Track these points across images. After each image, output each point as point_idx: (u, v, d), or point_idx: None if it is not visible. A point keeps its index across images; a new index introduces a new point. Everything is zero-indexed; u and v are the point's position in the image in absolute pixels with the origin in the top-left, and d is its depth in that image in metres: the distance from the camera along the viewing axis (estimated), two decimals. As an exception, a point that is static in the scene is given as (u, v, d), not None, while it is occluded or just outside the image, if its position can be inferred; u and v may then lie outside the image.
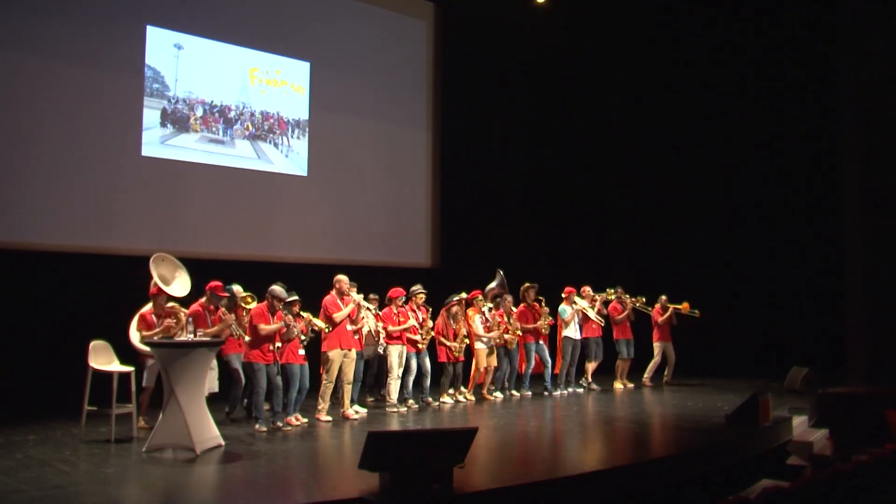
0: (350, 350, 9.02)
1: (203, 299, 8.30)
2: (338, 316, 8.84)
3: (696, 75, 14.91)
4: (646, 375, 12.43)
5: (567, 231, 15.71)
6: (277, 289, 8.37)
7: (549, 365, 11.40)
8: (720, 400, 10.44)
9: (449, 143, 14.82)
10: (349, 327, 9.06)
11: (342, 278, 9.10)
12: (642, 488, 6.49)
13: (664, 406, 10.39)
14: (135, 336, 8.01)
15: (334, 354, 8.84)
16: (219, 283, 8.41)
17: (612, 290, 12.24)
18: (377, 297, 10.41)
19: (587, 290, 11.94)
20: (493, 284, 11.38)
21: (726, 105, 14.58)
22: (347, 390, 9.08)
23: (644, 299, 12.42)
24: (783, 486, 4.40)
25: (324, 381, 8.87)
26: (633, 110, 15.70)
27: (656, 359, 12.43)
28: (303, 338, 8.56)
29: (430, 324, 10.17)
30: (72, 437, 7.61)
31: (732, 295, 14.22)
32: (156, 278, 8.13)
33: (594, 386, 11.90)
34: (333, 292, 9.05)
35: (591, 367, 11.97)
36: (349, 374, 9.03)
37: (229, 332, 8.47)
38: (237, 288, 8.99)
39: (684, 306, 12.46)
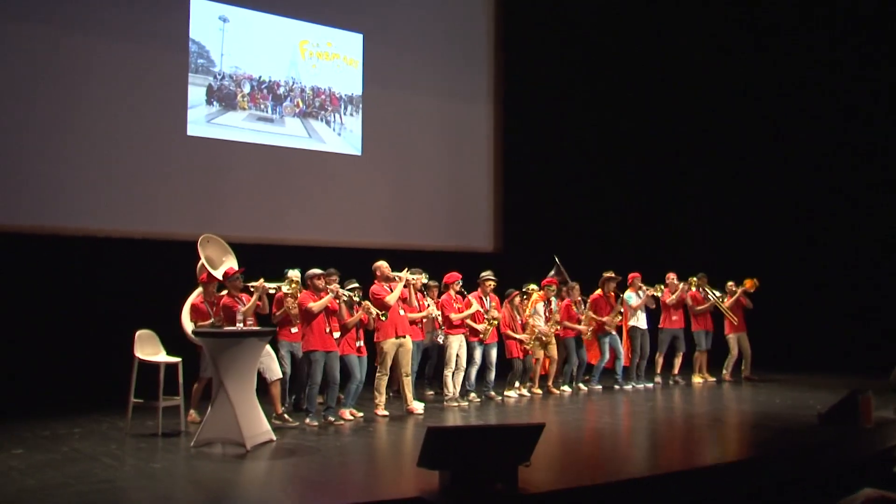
0: (405, 337, 9.02)
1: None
2: (390, 298, 8.81)
3: (777, 47, 14.54)
4: (725, 371, 12.21)
5: (641, 213, 15.50)
6: (311, 270, 8.43)
7: (621, 356, 11.33)
8: (811, 397, 10.17)
9: (513, 118, 14.71)
10: (401, 312, 9.06)
11: (382, 264, 9.07)
12: (723, 493, 6.38)
13: (748, 403, 10.19)
14: (189, 326, 8.14)
15: (388, 345, 8.88)
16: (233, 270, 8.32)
17: (695, 278, 12.09)
18: (437, 284, 10.40)
19: (672, 277, 11.86)
20: (551, 273, 11.34)
21: (812, 80, 14.19)
22: (407, 382, 9.09)
23: (717, 293, 12.19)
24: (890, 497, 4.24)
25: (377, 374, 8.93)
26: (715, 86, 15.37)
27: (733, 353, 12.19)
28: (349, 299, 8.50)
29: (496, 314, 10.15)
30: (118, 431, 7.79)
31: (825, 281, 13.86)
32: (203, 261, 8.22)
33: (680, 380, 11.80)
34: (377, 280, 9.05)
35: (677, 361, 11.92)
36: (406, 364, 9.04)
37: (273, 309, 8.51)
38: (294, 273, 8.79)
39: (749, 284, 12.14)
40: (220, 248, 8.42)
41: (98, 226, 10.46)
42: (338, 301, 8.42)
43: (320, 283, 8.37)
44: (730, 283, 12.25)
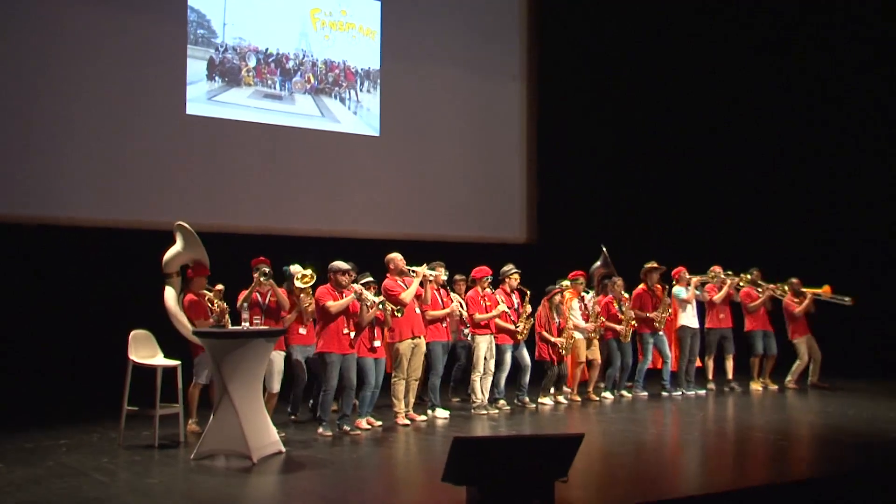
0: (420, 338, 9.00)
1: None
2: (406, 295, 8.75)
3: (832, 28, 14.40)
4: (789, 378, 12.03)
5: (688, 202, 15.34)
6: (337, 262, 8.39)
7: (669, 359, 11.22)
8: (891, 408, 10.07)
9: (548, 96, 14.67)
10: (418, 310, 9.04)
11: (396, 257, 9.03)
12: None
13: (815, 414, 10.08)
14: (185, 323, 8.07)
15: (403, 346, 8.85)
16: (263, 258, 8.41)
17: (748, 275, 11.94)
18: (464, 278, 10.35)
19: (717, 270, 11.71)
20: (597, 264, 11.27)
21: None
22: (413, 387, 9.12)
23: (784, 286, 12.02)
24: None
25: (393, 378, 8.90)
26: (766, 69, 15.23)
27: (802, 359, 11.98)
28: (372, 305, 8.43)
29: (529, 308, 10.07)
30: (110, 442, 7.77)
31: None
32: (182, 251, 8.16)
33: (735, 386, 11.67)
34: (390, 275, 9.00)
35: (729, 364, 11.81)
36: (417, 368, 9.04)
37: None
38: (296, 268, 8.92)
39: (825, 290, 11.95)
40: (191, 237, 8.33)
41: (87, 215, 10.51)
42: (360, 303, 8.36)
43: (345, 279, 8.30)
44: (794, 280, 12.03)
